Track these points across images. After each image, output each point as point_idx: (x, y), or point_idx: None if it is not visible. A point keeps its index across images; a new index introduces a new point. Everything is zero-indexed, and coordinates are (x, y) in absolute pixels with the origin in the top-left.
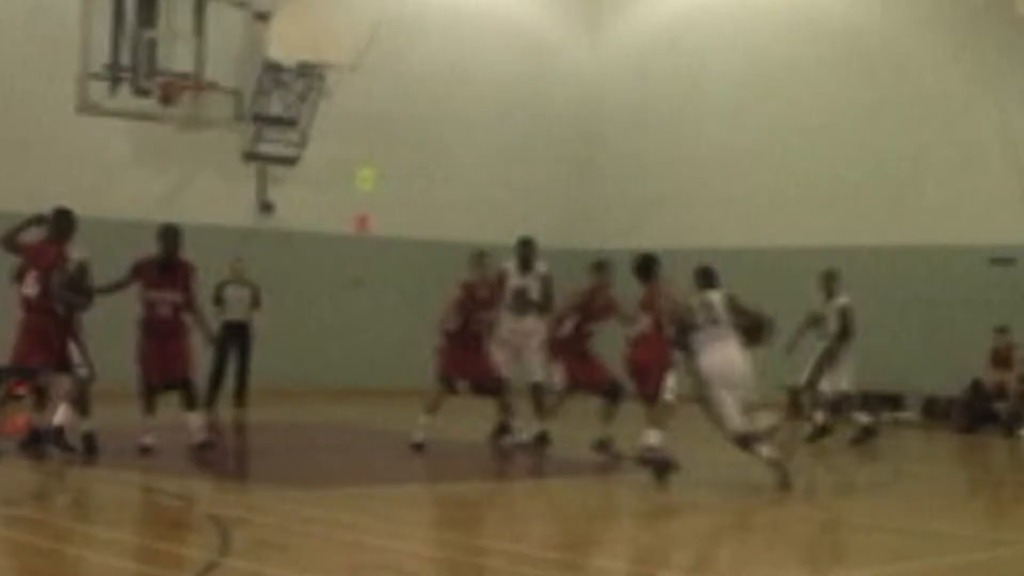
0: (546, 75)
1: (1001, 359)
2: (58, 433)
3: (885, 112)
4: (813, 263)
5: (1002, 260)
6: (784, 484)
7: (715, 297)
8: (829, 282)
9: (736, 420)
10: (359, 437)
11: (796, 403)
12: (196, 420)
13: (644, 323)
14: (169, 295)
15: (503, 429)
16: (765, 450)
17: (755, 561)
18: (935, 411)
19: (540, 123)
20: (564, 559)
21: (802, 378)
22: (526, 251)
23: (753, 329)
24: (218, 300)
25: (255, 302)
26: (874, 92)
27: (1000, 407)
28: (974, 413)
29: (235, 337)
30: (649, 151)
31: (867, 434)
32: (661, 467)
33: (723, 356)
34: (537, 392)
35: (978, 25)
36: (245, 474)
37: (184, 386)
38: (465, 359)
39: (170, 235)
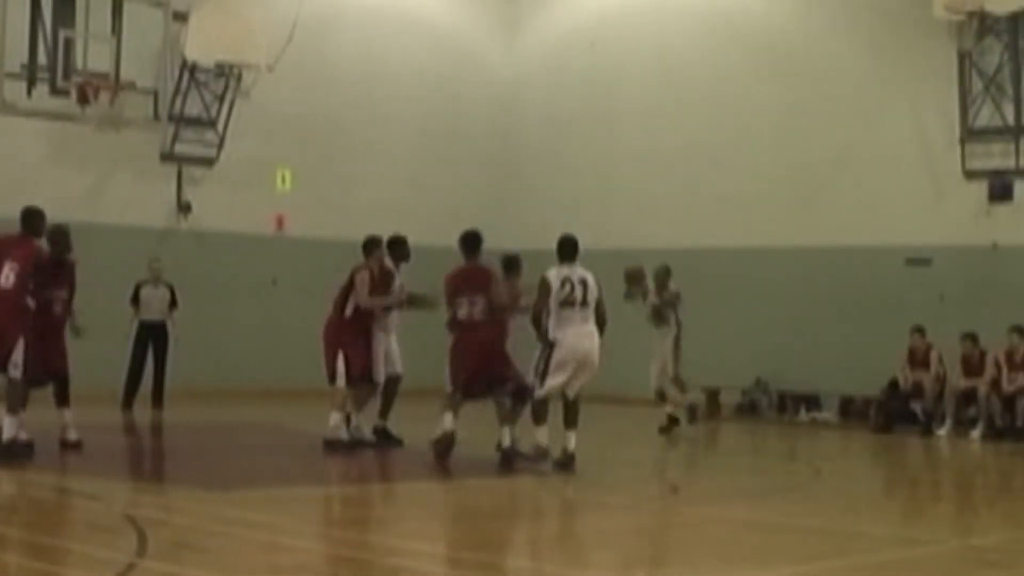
0: (463, 75)
1: (918, 359)
2: None
3: (802, 114)
4: (729, 264)
5: (918, 260)
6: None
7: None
8: (664, 277)
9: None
10: (276, 438)
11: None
12: (71, 417)
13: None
14: (61, 293)
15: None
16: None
17: (672, 561)
18: (852, 411)
19: (457, 123)
20: (479, 559)
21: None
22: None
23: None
24: (135, 300)
25: (172, 302)
26: (791, 94)
27: (916, 407)
28: (891, 413)
29: (152, 338)
30: (566, 152)
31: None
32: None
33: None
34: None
35: (895, 28)
36: (162, 475)
37: (63, 382)
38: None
39: (61, 235)
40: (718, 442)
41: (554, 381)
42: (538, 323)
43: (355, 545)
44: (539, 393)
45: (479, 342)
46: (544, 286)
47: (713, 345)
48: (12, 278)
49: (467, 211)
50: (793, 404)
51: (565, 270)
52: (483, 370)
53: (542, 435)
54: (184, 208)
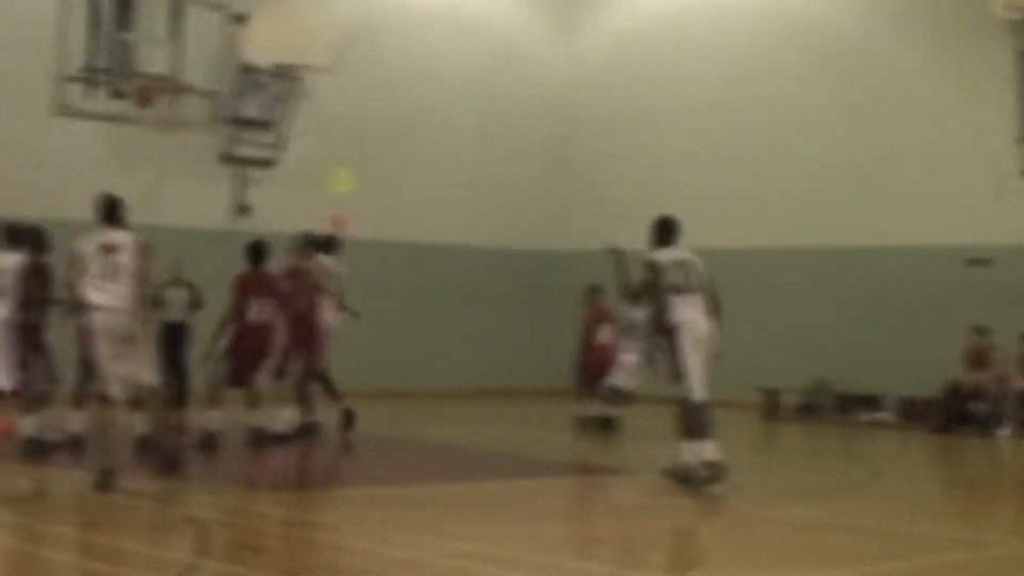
0: (521, 76)
1: (978, 359)
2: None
3: (860, 113)
4: (788, 264)
5: (978, 260)
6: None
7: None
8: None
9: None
10: (323, 439)
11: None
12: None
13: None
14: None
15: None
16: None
17: (727, 561)
18: (912, 412)
19: (514, 124)
20: (540, 561)
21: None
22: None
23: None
24: (156, 301)
25: (195, 303)
26: (849, 93)
27: (976, 407)
28: (950, 413)
29: (173, 338)
30: (622, 153)
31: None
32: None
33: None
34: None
35: (953, 27)
36: (223, 476)
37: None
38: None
39: (37, 236)
40: (777, 443)
41: (697, 375)
42: (660, 310)
43: (415, 546)
44: (697, 396)
45: None
46: (655, 269)
47: (772, 346)
48: None
49: (524, 212)
50: (853, 405)
51: (671, 253)
52: None
53: (709, 449)
54: (243, 210)
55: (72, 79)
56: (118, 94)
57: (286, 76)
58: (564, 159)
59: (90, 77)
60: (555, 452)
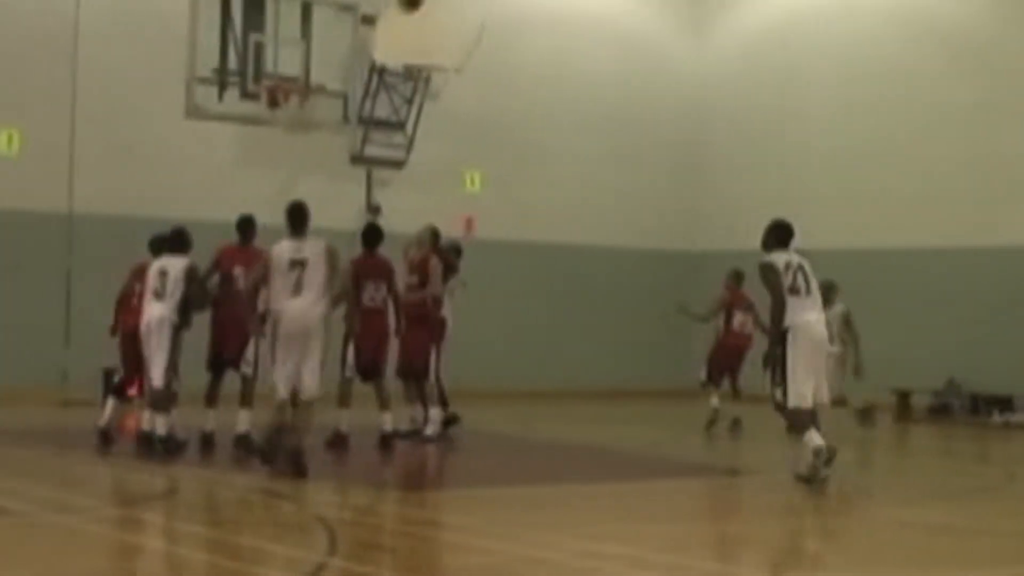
0: (650, 77)
1: None
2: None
3: (994, 110)
4: (920, 264)
5: None
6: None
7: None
8: (828, 293)
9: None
10: (461, 439)
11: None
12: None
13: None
14: None
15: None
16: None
17: (862, 565)
18: None
19: (644, 125)
20: (674, 562)
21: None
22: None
23: None
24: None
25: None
26: (981, 91)
27: None
28: None
29: None
30: (754, 153)
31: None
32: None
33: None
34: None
35: None
36: (352, 476)
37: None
38: None
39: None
40: (910, 445)
41: (802, 378)
42: (780, 314)
43: (547, 546)
44: (796, 402)
45: None
46: (774, 271)
47: (904, 346)
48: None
49: (654, 213)
50: (986, 406)
51: (785, 255)
52: None
53: (815, 439)
54: (374, 210)
55: (203, 81)
56: (249, 95)
57: (415, 77)
58: (694, 159)
59: (221, 79)
60: (690, 452)
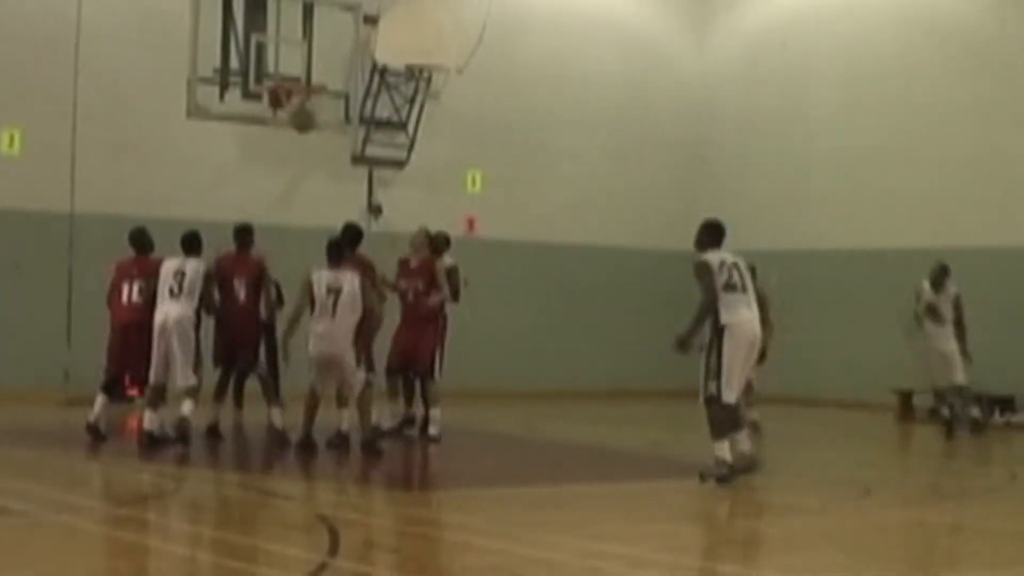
0: (653, 77)
1: None
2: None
3: (996, 111)
4: (923, 264)
5: None
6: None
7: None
8: (942, 276)
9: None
10: (451, 438)
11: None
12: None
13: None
14: None
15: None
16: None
17: (869, 564)
18: None
19: (647, 125)
20: (675, 562)
21: (957, 378)
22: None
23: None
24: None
25: (278, 301)
26: (985, 91)
27: None
28: None
29: None
30: (757, 153)
31: (976, 428)
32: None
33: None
34: None
35: None
36: (354, 476)
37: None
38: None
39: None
40: (911, 445)
41: (736, 374)
42: (711, 310)
43: (550, 547)
44: (729, 397)
45: None
46: (708, 270)
47: (905, 346)
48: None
49: (656, 213)
50: (988, 407)
51: (720, 254)
52: None
53: (743, 441)
54: (375, 210)
55: (205, 81)
56: (251, 95)
57: (417, 77)
58: (698, 159)
59: (223, 79)
60: (690, 452)
